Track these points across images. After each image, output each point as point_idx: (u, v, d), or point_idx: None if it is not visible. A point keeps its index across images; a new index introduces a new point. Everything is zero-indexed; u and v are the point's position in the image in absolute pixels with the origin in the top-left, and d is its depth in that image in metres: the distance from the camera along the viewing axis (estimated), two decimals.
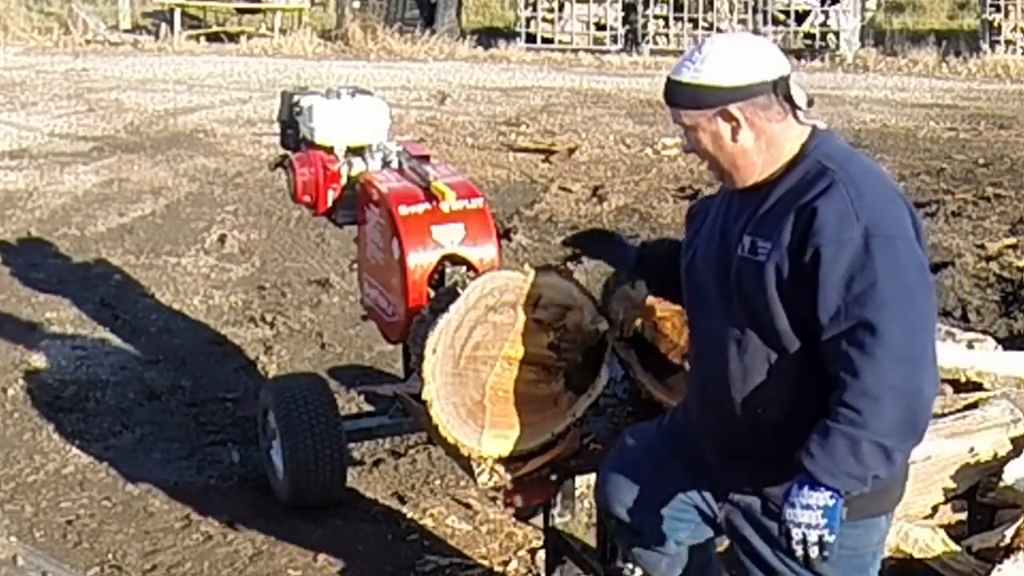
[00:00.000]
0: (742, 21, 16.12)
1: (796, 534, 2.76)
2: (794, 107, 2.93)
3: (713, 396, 3.01)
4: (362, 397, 5.87)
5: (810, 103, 2.96)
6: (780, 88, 2.92)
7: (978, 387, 4.94)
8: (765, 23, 16.16)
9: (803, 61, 15.75)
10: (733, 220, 2.95)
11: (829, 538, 2.75)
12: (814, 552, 2.76)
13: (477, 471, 3.43)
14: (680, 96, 2.92)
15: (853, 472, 2.74)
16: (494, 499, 4.90)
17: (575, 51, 16.53)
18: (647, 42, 16.36)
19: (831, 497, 2.74)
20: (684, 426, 3.18)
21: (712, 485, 3.13)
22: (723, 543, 3.38)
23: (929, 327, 2.81)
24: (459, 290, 3.69)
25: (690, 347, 3.22)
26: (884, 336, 2.70)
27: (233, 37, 18.01)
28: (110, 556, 4.73)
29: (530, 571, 4.58)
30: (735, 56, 2.91)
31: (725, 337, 2.93)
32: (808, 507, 2.75)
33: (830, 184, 2.82)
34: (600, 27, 16.73)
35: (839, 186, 2.81)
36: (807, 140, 2.94)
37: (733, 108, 2.88)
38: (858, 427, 2.71)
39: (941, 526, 4.41)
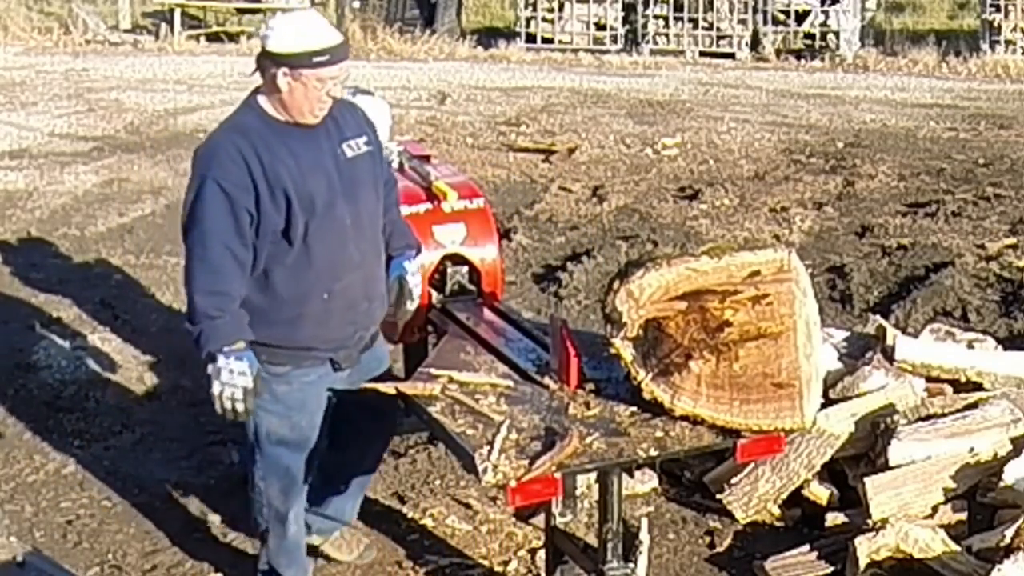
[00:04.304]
0: (742, 21, 16.11)
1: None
2: None
3: None
4: None
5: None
6: None
7: (978, 387, 4.94)
8: (765, 23, 16.15)
9: (803, 61, 15.76)
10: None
11: None
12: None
13: (481, 469, 3.43)
14: (346, 51, 3.86)
15: None
16: (494, 499, 4.90)
17: (575, 51, 16.52)
18: (647, 42, 16.35)
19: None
20: None
21: None
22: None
23: None
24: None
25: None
26: None
27: (233, 37, 17.99)
28: (110, 556, 4.73)
29: (530, 571, 4.58)
30: None
31: None
32: None
33: None
34: (600, 27, 16.72)
35: None
36: None
37: None
38: None
39: (941, 526, 4.41)
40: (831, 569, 4.45)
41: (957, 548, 4.26)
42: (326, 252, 3.89)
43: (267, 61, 3.84)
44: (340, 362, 4.02)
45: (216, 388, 3.79)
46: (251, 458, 4.13)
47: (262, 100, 3.90)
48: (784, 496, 4.79)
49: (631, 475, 3.84)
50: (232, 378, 3.77)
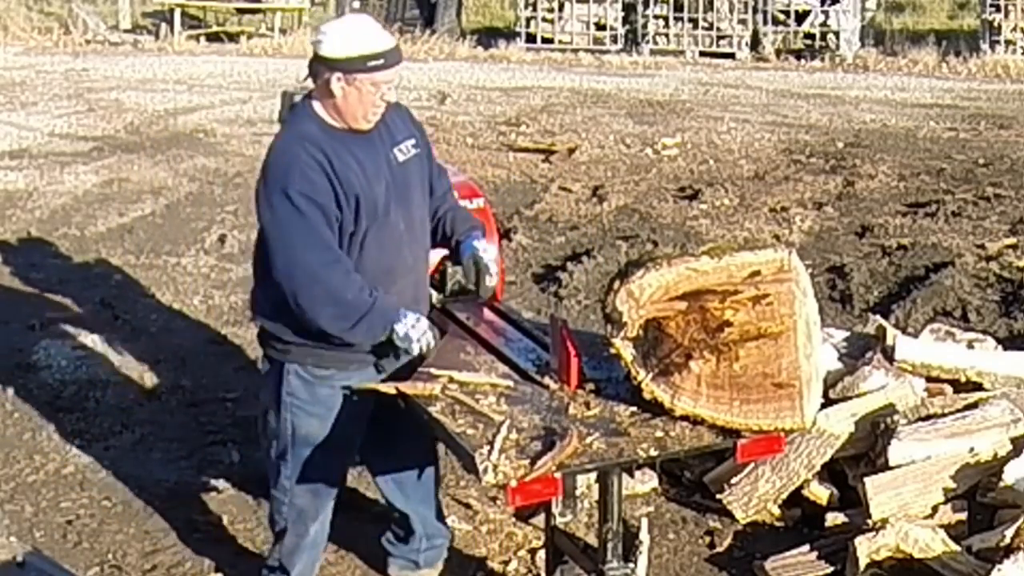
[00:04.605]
0: (742, 21, 16.12)
1: None
2: None
3: None
4: None
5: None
6: None
7: (978, 387, 4.93)
8: (765, 23, 16.16)
9: (803, 61, 15.76)
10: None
11: None
12: None
13: (482, 469, 3.42)
14: (399, 55, 3.91)
15: None
16: (494, 499, 4.90)
17: (575, 51, 16.53)
18: (647, 42, 16.36)
19: None
20: None
21: None
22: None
23: None
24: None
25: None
26: None
27: (233, 37, 18.01)
28: (110, 556, 4.73)
29: (530, 571, 4.58)
30: None
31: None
32: None
33: None
34: (600, 27, 16.73)
35: None
36: None
37: None
38: None
39: (941, 526, 4.41)
40: (831, 569, 4.45)
41: (957, 548, 4.25)
42: (383, 257, 3.89)
43: (321, 66, 3.81)
44: (384, 367, 3.99)
45: (415, 348, 3.83)
46: (280, 457, 4.08)
47: (317, 107, 3.87)
48: (784, 496, 4.79)
49: (631, 475, 3.84)
50: (416, 327, 3.81)
